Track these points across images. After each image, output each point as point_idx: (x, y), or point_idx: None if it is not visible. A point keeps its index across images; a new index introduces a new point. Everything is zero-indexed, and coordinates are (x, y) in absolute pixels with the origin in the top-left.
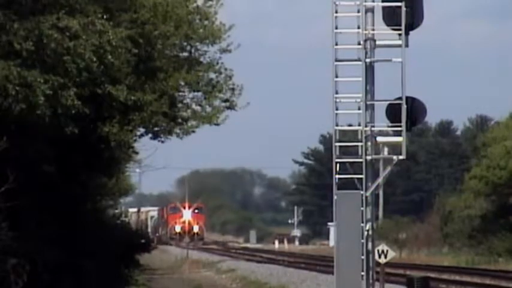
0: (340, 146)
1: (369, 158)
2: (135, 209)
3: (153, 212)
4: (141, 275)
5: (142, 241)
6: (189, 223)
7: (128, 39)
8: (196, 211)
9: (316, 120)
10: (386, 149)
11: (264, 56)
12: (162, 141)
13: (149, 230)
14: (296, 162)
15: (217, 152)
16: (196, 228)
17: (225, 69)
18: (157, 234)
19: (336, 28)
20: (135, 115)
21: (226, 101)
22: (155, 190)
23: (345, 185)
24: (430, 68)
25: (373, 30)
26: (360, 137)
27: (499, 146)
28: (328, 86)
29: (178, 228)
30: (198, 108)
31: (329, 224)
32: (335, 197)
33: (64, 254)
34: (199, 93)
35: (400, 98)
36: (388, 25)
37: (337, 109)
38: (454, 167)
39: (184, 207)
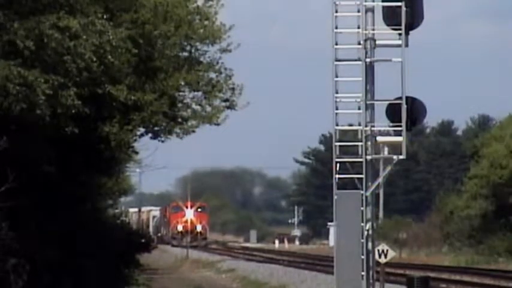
0: (340, 146)
1: (369, 157)
2: (135, 209)
3: (155, 211)
4: (141, 274)
5: (142, 241)
6: (192, 222)
7: (128, 39)
8: (199, 210)
9: (317, 120)
10: (386, 149)
11: (265, 56)
12: (162, 141)
13: (151, 229)
14: (297, 161)
15: (217, 151)
16: (199, 228)
17: (225, 69)
18: (159, 234)
19: (336, 28)
20: (135, 115)
21: (226, 100)
22: (155, 190)
23: (345, 184)
24: (431, 67)
25: (373, 30)
26: (360, 136)
27: (501, 145)
28: (328, 85)
29: (180, 228)
30: (198, 108)
31: (329, 223)
32: (335, 197)
33: (64, 254)
34: (199, 93)
35: (400, 98)
36: (388, 25)
37: (337, 109)
38: (454, 167)
39: (187, 207)
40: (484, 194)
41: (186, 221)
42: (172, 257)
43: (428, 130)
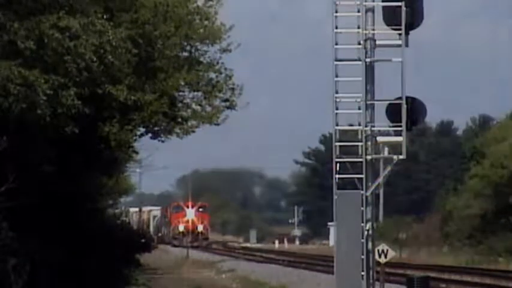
0: (340, 146)
1: (369, 157)
2: (136, 209)
3: (156, 211)
4: (141, 274)
5: (143, 241)
6: (193, 222)
7: (128, 39)
8: (200, 210)
9: (317, 120)
10: (386, 149)
11: (265, 56)
12: (162, 141)
13: (151, 229)
14: (297, 162)
15: (217, 151)
16: (200, 228)
17: (225, 69)
18: (159, 234)
19: (336, 28)
20: (135, 115)
21: (226, 100)
22: (155, 190)
23: (345, 184)
24: (431, 67)
25: (373, 30)
26: (360, 136)
27: (503, 145)
28: (328, 85)
29: (181, 228)
30: (198, 108)
31: (329, 224)
32: (335, 197)
33: (64, 253)
34: (199, 93)
35: (400, 98)
36: (388, 25)
37: (337, 109)
38: (454, 167)
39: (188, 206)
40: (485, 194)
41: (188, 221)
42: (172, 257)
43: (427, 130)
